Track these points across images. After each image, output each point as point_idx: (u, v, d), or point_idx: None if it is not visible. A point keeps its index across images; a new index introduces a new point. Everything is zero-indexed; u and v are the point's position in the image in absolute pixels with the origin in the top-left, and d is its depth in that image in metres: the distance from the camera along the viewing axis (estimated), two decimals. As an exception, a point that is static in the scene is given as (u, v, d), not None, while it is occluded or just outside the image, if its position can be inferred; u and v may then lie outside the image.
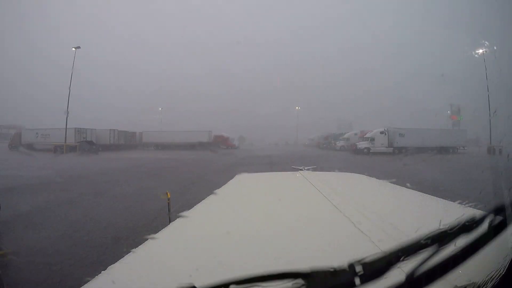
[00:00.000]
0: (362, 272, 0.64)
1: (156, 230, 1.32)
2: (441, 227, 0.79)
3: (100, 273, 0.94)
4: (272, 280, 0.64)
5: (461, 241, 0.77)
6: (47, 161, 20.47)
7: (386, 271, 0.67)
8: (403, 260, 0.69)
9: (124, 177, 12.47)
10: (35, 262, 3.90)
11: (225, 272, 0.99)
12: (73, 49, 31.42)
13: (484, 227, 0.81)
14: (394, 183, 2.41)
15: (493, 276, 0.77)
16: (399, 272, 0.69)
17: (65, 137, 28.30)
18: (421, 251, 0.71)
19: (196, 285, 0.65)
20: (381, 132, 27.71)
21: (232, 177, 2.79)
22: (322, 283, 0.66)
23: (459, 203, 1.50)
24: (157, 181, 10.97)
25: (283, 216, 1.59)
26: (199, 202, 1.88)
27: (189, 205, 1.76)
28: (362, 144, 27.85)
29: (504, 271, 0.77)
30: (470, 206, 1.39)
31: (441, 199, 1.74)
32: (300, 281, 0.64)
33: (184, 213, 1.61)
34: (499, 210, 0.83)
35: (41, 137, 30.99)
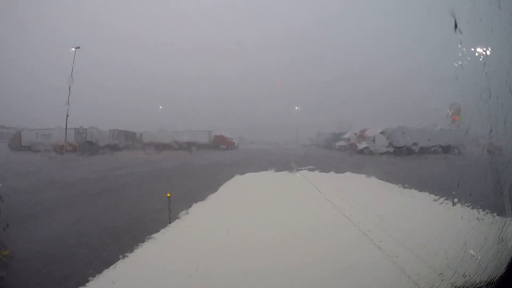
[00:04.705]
0: None
1: (156, 231, 1.32)
2: None
3: (100, 273, 0.94)
4: None
5: None
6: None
7: None
8: None
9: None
10: (35, 262, 3.89)
11: (225, 273, 0.99)
12: (73, 49, 31.38)
13: None
14: (394, 183, 2.41)
15: (493, 276, 0.77)
16: None
17: (65, 137, 28.27)
18: None
19: None
20: (381, 132, 27.71)
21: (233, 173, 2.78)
22: None
23: (458, 203, 1.49)
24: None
25: (283, 216, 1.59)
26: (199, 202, 1.88)
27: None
28: (362, 144, 27.84)
29: (504, 270, 0.77)
30: (469, 207, 1.39)
31: (441, 198, 1.74)
32: None
33: (184, 214, 1.61)
34: None
35: (41, 137, 30.96)
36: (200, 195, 2.15)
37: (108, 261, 1.03)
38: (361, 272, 0.95)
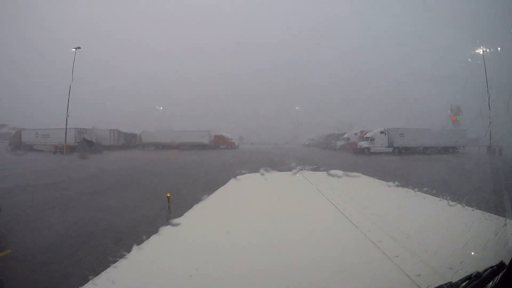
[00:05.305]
0: None
1: (156, 230, 1.32)
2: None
3: (100, 273, 0.94)
4: None
5: None
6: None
7: None
8: None
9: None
10: (35, 262, 3.90)
11: (225, 273, 0.99)
12: (73, 49, 31.53)
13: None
14: (394, 182, 2.41)
15: (493, 276, 0.77)
16: None
17: (65, 138, 28.31)
18: None
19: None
20: (381, 132, 27.77)
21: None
22: None
23: (458, 203, 1.50)
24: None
25: (283, 216, 1.59)
26: (199, 202, 1.88)
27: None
28: (362, 144, 27.88)
29: (504, 270, 0.77)
30: (469, 206, 1.39)
31: (441, 199, 1.74)
32: None
33: (184, 213, 1.61)
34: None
35: (41, 137, 30.98)
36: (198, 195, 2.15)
37: (108, 261, 1.03)
38: (360, 272, 0.95)
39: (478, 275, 0.77)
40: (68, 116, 28.48)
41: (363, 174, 3.06)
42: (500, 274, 0.76)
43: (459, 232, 1.17)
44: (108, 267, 0.99)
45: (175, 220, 1.52)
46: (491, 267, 0.78)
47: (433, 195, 1.86)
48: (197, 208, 1.77)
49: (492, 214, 1.23)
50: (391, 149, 27.52)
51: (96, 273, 0.94)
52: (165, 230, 1.39)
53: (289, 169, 3.42)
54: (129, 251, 1.10)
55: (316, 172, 3.31)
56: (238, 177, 2.82)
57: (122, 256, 1.07)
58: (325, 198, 1.86)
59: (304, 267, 0.97)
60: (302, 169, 3.53)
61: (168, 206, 3.19)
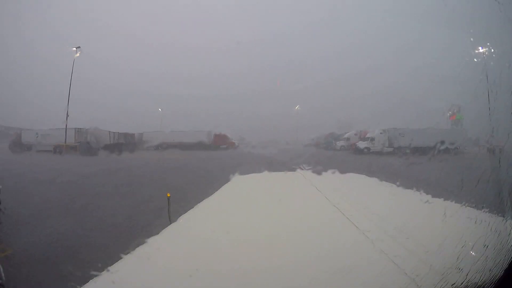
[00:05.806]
0: None
1: (156, 231, 1.32)
2: None
3: (100, 273, 0.94)
4: None
5: None
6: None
7: None
8: None
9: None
10: (35, 262, 3.90)
11: (225, 273, 0.99)
12: (74, 49, 31.52)
13: None
14: (394, 182, 2.41)
15: (493, 276, 0.77)
16: None
17: (65, 138, 28.24)
18: None
19: None
20: (381, 132, 27.72)
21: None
22: None
23: (458, 203, 1.50)
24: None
25: (283, 216, 1.59)
26: (199, 203, 1.88)
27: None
28: (362, 144, 27.81)
29: (504, 270, 0.77)
30: (469, 207, 1.39)
31: (441, 199, 1.74)
32: None
33: (184, 214, 1.61)
34: None
35: (41, 138, 30.92)
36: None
37: (108, 261, 1.03)
38: (360, 272, 0.95)
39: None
40: (68, 116, 28.43)
41: (363, 174, 3.06)
42: (501, 275, 0.76)
43: (459, 232, 1.17)
44: (108, 267, 0.99)
45: (175, 221, 1.52)
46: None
47: (433, 195, 1.86)
48: (197, 209, 1.77)
49: (492, 214, 1.23)
50: (391, 149, 27.49)
51: (96, 273, 0.94)
52: (165, 231, 1.39)
53: (289, 169, 3.43)
54: (129, 251, 1.10)
55: (316, 172, 3.31)
56: (239, 177, 2.82)
57: (122, 257, 1.07)
58: (325, 198, 1.86)
59: (304, 266, 0.97)
60: (302, 169, 3.53)
61: (168, 207, 3.19)
